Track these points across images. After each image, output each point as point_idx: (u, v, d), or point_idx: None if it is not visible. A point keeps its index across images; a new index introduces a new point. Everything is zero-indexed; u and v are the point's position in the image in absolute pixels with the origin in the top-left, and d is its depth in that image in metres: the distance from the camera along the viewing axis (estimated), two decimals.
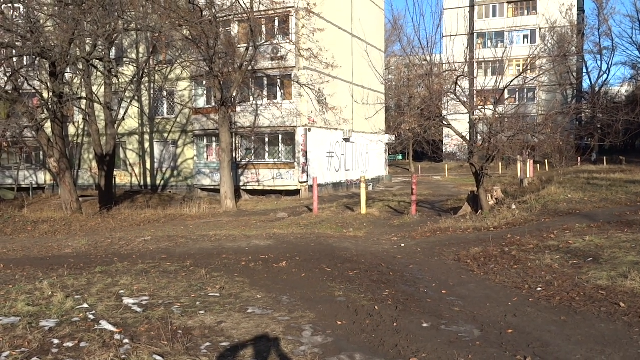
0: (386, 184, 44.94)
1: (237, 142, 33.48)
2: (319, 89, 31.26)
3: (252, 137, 32.76)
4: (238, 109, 32.53)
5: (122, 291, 9.56)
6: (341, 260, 11.98)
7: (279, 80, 31.80)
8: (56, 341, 7.09)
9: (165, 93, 35.68)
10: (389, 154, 51.77)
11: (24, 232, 20.50)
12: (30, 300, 8.92)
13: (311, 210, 22.29)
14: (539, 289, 9.19)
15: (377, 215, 20.50)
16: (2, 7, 23.41)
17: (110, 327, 7.60)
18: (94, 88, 31.83)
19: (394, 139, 44.01)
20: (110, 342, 6.99)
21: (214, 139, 34.67)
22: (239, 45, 29.21)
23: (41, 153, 38.49)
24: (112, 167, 27.42)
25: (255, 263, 11.96)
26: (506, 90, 19.26)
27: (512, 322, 7.74)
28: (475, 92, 27.34)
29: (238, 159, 33.50)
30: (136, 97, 33.93)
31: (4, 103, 25.18)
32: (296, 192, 32.38)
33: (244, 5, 27.51)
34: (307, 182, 32.08)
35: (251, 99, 32.40)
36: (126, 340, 7.08)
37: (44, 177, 40.01)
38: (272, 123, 32.25)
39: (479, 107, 20.09)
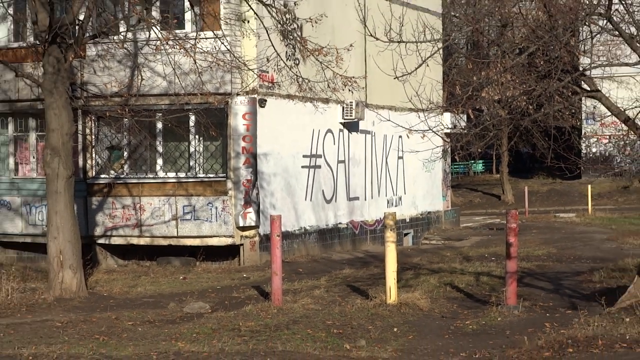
0: (447, 230, 33.26)
1: (88, 130, 23.97)
2: (287, 5, 21.15)
3: (126, 121, 22.56)
4: (91, 51, 23.13)
5: None
6: None
7: None
8: None
9: None
10: (452, 161, 37.76)
11: None
12: None
13: (267, 295, 16.64)
14: None
15: (423, 308, 14.90)
16: None
17: None
18: None
19: (463, 124, 29.15)
20: None
21: (31, 123, 25.03)
22: None
23: None
24: None
25: None
26: None
27: None
28: None
29: (91, 173, 23.97)
30: None
31: None
32: (231, 252, 23.18)
33: None
34: (256, 226, 23.07)
35: (121, 28, 22.59)
36: None
37: None
38: (173, 87, 22.17)
39: None
